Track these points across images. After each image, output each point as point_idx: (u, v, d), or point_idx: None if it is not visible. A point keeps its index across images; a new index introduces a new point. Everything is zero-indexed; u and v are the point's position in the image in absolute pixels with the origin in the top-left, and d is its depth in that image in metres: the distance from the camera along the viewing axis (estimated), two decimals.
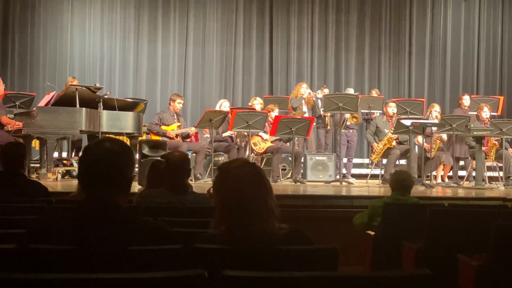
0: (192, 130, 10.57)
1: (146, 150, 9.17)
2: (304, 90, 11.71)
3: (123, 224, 2.56)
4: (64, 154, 11.09)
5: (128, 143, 10.29)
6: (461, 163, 11.66)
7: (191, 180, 9.30)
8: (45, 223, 2.65)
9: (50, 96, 10.05)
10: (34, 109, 9.70)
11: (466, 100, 12.00)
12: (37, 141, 10.02)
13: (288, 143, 10.94)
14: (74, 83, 10.58)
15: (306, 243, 2.77)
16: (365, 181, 11.01)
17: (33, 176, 9.28)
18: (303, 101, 11.65)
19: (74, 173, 10.02)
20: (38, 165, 9.91)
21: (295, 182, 10.18)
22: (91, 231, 2.49)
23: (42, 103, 10.06)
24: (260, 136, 10.72)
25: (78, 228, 2.50)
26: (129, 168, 2.62)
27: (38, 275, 1.95)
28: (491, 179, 11.11)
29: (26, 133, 9.30)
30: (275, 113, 10.84)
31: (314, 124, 11.34)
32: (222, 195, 2.75)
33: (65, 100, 9.61)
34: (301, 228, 2.83)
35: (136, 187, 7.89)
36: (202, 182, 9.69)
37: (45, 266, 2.39)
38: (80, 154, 2.68)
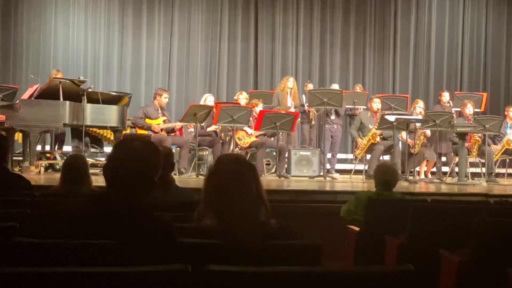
0: (178, 125, 10.55)
1: None
2: (291, 84, 11.70)
3: (137, 219, 2.60)
4: (48, 148, 11.03)
5: (112, 136, 10.27)
6: (443, 159, 11.72)
7: (175, 174, 9.30)
8: (46, 215, 2.66)
9: (34, 89, 10.00)
10: (17, 101, 9.64)
11: (445, 96, 12.06)
12: (20, 134, 9.96)
13: (272, 138, 10.95)
14: (58, 76, 10.52)
15: (294, 239, 2.79)
16: (349, 176, 11.04)
17: (16, 169, 9.22)
18: (288, 96, 11.64)
19: (57, 167, 9.96)
20: (21, 158, 9.85)
21: (279, 177, 10.20)
22: (107, 224, 2.52)
23: (25, 96, 10.01)
24: (244, 130, 10.72)
25: (91, 220, 2.54)
26: (155, 167, 2.70)
27: (25, 268, 1.94)
28: (474, 175, 11.19)
29: (9, 126, 9.23)
30: (259, 108, 10.84)
31: (299, 119, 11.35)
32: (209, 188, 2.77)
33: (48, 93, 9.56)
34: (289, 225, 2.85)
35: None
36: (186, 177, 9.68)
37: (37, 260, 2.39)
38: (110, 151, 2.72)
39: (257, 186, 2.81)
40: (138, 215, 2.61)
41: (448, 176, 11.18)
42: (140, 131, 10.31)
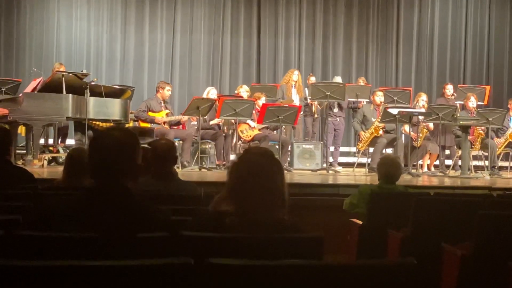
0: (184, 118, 10.55)
1: None
2: (296, 77, 11.68)
3: (134, 211, 2.66)
4: (51, 141, 11.03)
5: None
6: (447, 152, 11.71)
7: (177, 167, 9.30)
8: (47, 209, 2.69)
9: (37, 82, 10.00)
10: (20, 95, 9.64)
11: (449, 89, 12.05)
12: (23, 128, 9.96)
13: (275, 131, 10.94)
14: (61, 69, 10.53)
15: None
16: (352, 169, 11.03)
17: (19, 163, 9.23)
18: (293, 89, 11.63)
19: (60, 160, 9.97)
20: (24, 151, 9.85)
21: None
22: (102, 216, 2.57)
23: (28, 89, 10.00)
24: (247, 124, 10.71)
25: (87, 214, 2.58)
26: (137, 154, 2.75)
27: (25, 262, 1.95)
28: (477, 168, 11.17)
29: (12, 119, 9.24)
30: (262, 101, 10.83)
31: (302, 112, 11.35)
32: (233, 176, 2.83)
33: (51, 87, 9.56)
34: (298, 222, 2.88)
35: None
36: (189, 170, 9.68)
37: (40, 253, 2.40)
38: (89, 143, 2.79)
39: (281, 182, 2.85)
40: (132, 206, 2.67)
41: (451, 169, 11.17)
42: (143, 124, 10.31)
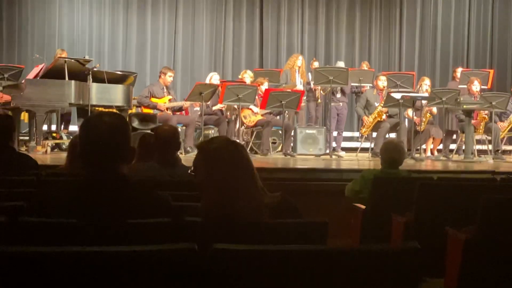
0: (186, 104, 10.54)
1: (136, 123, 9.14)
2: (300, 62, 11.66)
3: (133, 197, 2.62)
4: (54, 127, 11.05)
5: None
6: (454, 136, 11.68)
7: (180, 153, 9.31)
8: (47, 196, 2.68)
9: (39, 68, 9.99)
10: (23, 81, 9.64)
11: (459, 72, 12.04)
12: (26, 114, 9.97)
13: (278, 117, 10.93)
14: (63, 55, 10.51)
15: (293, 213, 2.80)
16: (355, 154, 11.02)
17: (22, 149, 9.24)
18: (297, 74, 11.61)
19: (64, 146, 9.98)
20: (27, 138, 9.87)
21: (285, 156, 10.20)
22: (100, 204, 2.54)
23: (30, 75, 10.00)
24: (250, 109, 10.70)
25: (85, 201, 2.55)
26: (129, 137, 2.70)
27: (28, 248, 1.95)
28: (480, 152, 11.16)
29: (15, 105, 9.24)
30: (265, 86, 10.81)
31: (305, 97, 11.33)
32: (205, 175, 2.76)
33: (53, 73, 9.55)
34: (289, 198, 2.86)
35: None
36: (192, 155, 9.67)
37: (42, 239, 2.40)
38: (79, 130, 2.71)
39: (250, 163, 2.82)
40: (129, 192, 2.64)
41: (455, 154, 11.16)
42: (146, 110, 10.31)
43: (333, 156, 10.46)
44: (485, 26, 15.69)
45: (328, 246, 2.31)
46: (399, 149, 5.75)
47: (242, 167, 2.76)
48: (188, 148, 9.96)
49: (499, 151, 10.65)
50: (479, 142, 11.35)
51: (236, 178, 2.72)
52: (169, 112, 10.33)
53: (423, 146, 11.25)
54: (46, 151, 9.41)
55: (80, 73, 9.58)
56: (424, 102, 10.73)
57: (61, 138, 10.31)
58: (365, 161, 9.95)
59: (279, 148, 10.92)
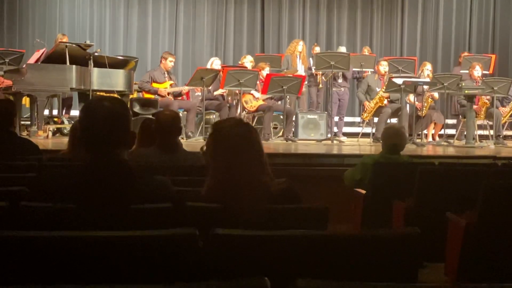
0: (185, 89, 10.53)
1: (137, 108, 9.13)
2: (300, 47, 11.64)
3: (134, 182, 2.61)
4: (55, 112, 11.04)
5: None
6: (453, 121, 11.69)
7: (182, 138, 9.31)
8: (49, 181, 2.67)
9: (40, 53, 9.97)
10: (24, 66, 9.63)
11: None
12: (27, 99, 9.97)
13: (279, 102, 10.92)
14: (64, 40, 10.49)
15: (295, 201, 2.80)
16: (357, 139, 11.03)
17: (24, 134, 9.25)
18: (298, 59, 11.59)
19: (65, 131, 9.98)
20: (29, 122, 9.87)
21: (287, 141, 10.19)
22: (101, 189, 2.54)
23: (32, 60, 9.98)
24: (251, 94, 10.68)
25: (86, 186, 2.54)
26: (130, 122, 2.68)
27: (29, 233, 1.96)
28: (482, 137, 11.15)
29: (16, 90, 9.24)
30: (266, 71, 10.79)
31: (306, 82, 11.31)
32: (215, 154, 2.76)
33: (55, 58, 9.53)
34: (294, 187, 2.86)
35: None
36: (193, 140, 9.69)
37: (45, 224, 2.41)
38: (80, 115, 2.69)
39: (260, 147, 2.81)
40: (130, 177, 2.63)
41: (456, 139, 11.15)
42: (147, 95, 10.30)
43: (335, 141, 10.46)
44: (487, 11, 15.63)
45: (328, 232, 2.31)
46: (400, 134, 5.74)
47: (251, 150, 2.75)
48: (190, 133, 9.96)
49: (501, 136, 10.64)
50: (480, 127, 11.33)
51: (243, 161, 2.71)
52: (170, 97, 10.31)
53: (425, 132, 11.24)
54: (47, 136, 9.41)
55: (81, 58, 9.57)
56: (425, 87, 10.71)
57: (62, 122, 10.31)
58: (366, 146, 9.94)
59: (280, 133, 10.91)
